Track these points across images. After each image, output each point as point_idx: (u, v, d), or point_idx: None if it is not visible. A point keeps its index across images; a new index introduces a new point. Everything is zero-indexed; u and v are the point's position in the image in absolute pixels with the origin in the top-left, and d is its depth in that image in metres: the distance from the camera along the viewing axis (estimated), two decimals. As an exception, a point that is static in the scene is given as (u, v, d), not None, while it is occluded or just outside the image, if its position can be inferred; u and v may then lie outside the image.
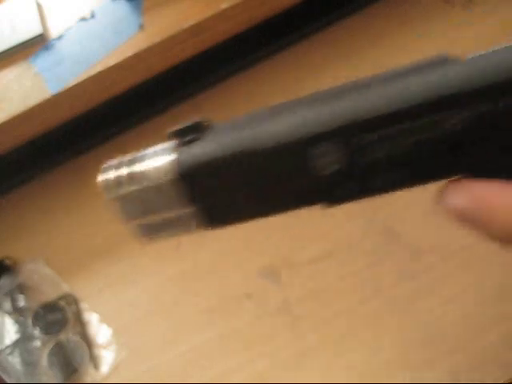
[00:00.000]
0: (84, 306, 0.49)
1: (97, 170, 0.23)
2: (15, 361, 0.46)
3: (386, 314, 0.43)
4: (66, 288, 0.50)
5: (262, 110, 0.22)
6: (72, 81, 0.50)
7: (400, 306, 0.43)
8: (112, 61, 0.50)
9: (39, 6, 0.56)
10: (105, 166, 0.23)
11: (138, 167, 0.23)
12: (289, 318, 0.45)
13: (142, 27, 0.52)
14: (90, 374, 0.46)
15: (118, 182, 0.23)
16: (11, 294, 0.50)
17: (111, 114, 0.56)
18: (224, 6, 0.50)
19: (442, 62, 0.21)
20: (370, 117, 0.20)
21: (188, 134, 0.23)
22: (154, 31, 0.51)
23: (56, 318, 0.48)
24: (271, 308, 0.46)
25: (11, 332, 0.48)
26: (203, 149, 0.22)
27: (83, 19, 0.54)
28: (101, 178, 0.23)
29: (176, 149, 0.22)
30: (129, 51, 0.50)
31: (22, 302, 0.49)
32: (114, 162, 0.23)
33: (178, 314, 0.47)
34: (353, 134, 0.20)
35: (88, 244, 0.53)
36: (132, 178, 0.22)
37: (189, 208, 0.22)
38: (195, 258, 0.50)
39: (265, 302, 0.46)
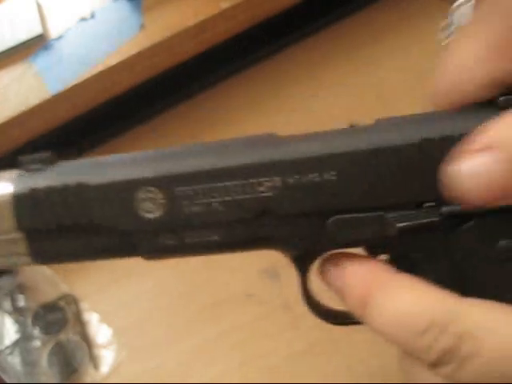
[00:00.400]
0: (84, 305, 0.49)
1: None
2: (15, 361, 0.46)
3: (387, 313, 0.43)
4: (65, 288, 0.50)
5: (112, 156, 0.25)
6: (72, 81, 0.50)
7: (400, 306, 0.43)
8: (112, 61, 0.50)
9: (39, 6, 0.56)
10: None
11: None
12: (289, 318, 0.45)
13: (142, 27, 0.52)
14: (89, 374, 0.46)
15: None
16: (11, 294, 0.50)
17: (111, 113, 0.55)
18: (224, 5, 0.50)
19: (269, 139, 0.24)
20: (184, 171, 0.23)
21: (33, 165, 0.25)
22: (154, 31, 0.51)
23: (56, 318, 0.48)
24: (271, 308, 0.46)
25: (11, 332, 0.48)
26: (38, 180, 0.24)
27: (83, 19, 0.54)
28: None
29: (17, 177, 0.25)
30: (129, 51, 0.50)
31: (21, 302, 0.49)
32: None
33: (178, 314, 0.47)
34: (170, 185, 0.23)
35: (88, 244, 0.53)
36: None
37: (17, 236, 0.24)
38: (195, 258, 0.50)
39: (265, 302, 0.46)
